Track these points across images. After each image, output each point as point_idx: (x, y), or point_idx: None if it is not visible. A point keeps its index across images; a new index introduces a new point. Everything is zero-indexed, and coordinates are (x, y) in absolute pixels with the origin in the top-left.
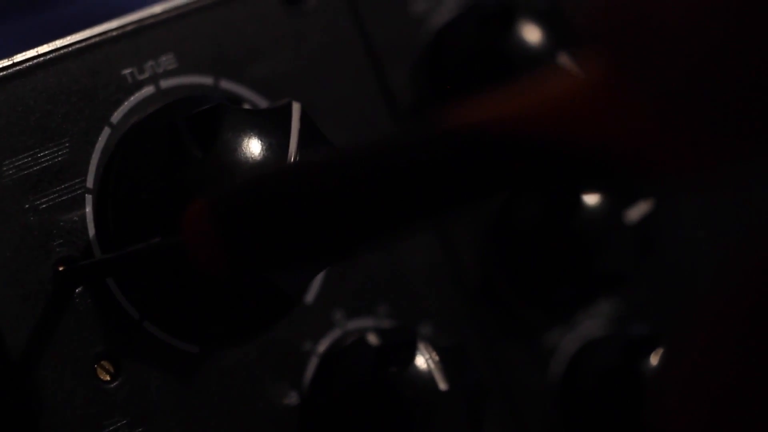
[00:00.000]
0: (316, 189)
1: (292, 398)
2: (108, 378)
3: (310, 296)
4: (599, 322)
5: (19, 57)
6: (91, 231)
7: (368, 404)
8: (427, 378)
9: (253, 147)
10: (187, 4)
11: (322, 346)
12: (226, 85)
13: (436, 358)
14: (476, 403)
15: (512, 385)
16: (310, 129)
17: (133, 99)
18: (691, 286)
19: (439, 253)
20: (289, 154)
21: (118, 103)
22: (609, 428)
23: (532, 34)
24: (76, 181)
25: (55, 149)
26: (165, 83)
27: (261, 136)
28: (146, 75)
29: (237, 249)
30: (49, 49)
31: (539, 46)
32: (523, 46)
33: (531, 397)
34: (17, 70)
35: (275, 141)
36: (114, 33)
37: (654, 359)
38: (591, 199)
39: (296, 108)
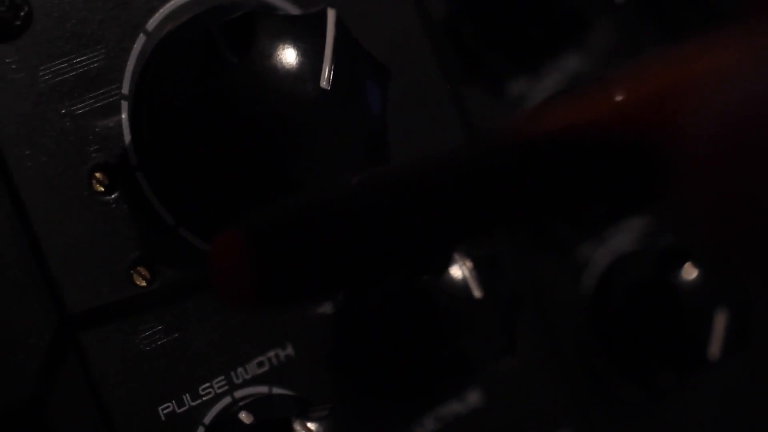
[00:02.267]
0: (367, 219)
1: (327, 307)
2: (144, 283)
3: None
4: (631, 236)
5: None
6: (127, 137)
7: (402, 312)
8: (461, 286)
9: (288, 53)
10: None
11: None
12: None
13: (471, 266)
14: (510, 313)
15: (545, 297)
16: (345, 36)
17: (168, 6)
18: None
19: None
20: (324, 60)
21: (153, 10)
22: (640, 340)
23: None
24: (112, 87)
25: (91, 55)
26: None
27: (296, 42)
28: None
29: (269, 286)
30: None
31: None
32: None
33: (563, 309)
34: None
35: (310, 47)
36: None
37: (685, 272)
38: None
39: (331, 14)
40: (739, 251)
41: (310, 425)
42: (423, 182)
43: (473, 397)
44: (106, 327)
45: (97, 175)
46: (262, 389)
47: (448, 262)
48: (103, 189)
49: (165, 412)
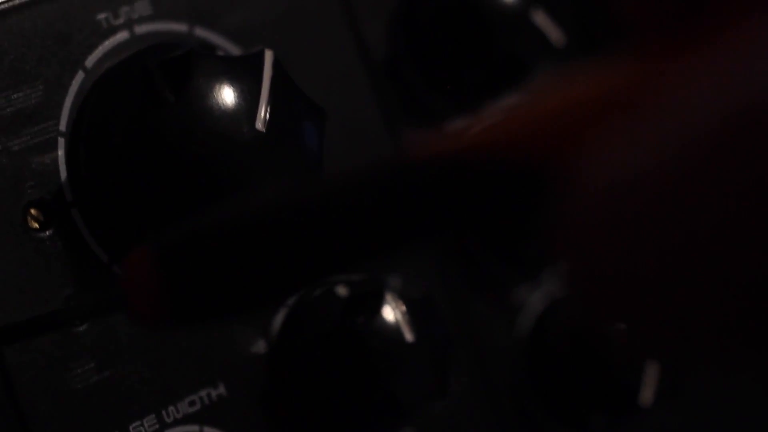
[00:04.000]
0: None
1: (260, 347)
2: (77, 322)
3: None
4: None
5: None
6: (63, 174)
7: (335, 354)
8: (393, 329)
9: (225, 93)
10: None
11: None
12: (200, 32)
13: (404, 309)
14: (442, 356)
15: (479, 339)
16: (281, 77)
17: (108, 44)
18: None
19: None
20: (260, 101)
21: (93, 47)
22: (574, 384)
23: None
24: (49, 123)
25: (29, 92)
26: (139, 29)
27: (233, 82)
28: (121, 20)
29: (179, 303)
30: None
31: (513, 2)
32: (496, 2)
33: (498, 351)
34: None
35: (247, 88)
36: None
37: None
38: None
39: (269, 56)
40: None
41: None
42: (330, 198)
43: None
44: (37, 364)
45: (33, 211)
46: (193, 428)
47: (381, 305)
48: (38, 225)
49: None
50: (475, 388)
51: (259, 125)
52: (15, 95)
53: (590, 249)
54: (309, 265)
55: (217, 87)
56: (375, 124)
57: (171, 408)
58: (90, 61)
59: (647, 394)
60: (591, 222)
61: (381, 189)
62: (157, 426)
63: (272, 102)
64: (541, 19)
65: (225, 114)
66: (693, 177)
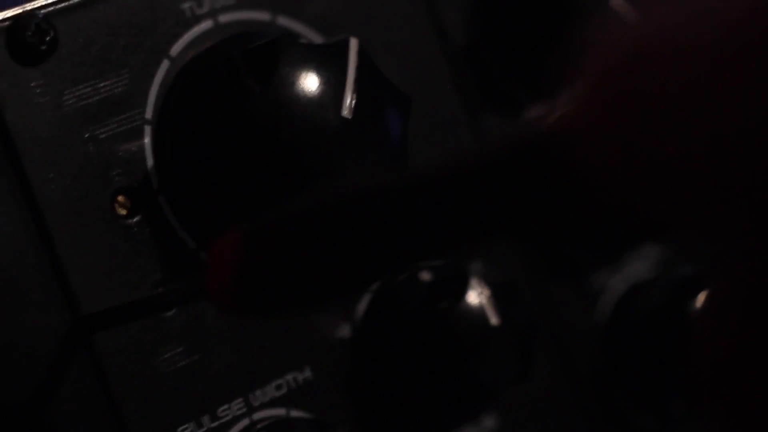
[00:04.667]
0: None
1: (345, 331)
2: (165, 308)
3: None
4: (647, 263)
5: None
6: (150, 161)
7: (420, 338)
8: (478, 313)
9: (310, 82)
10: None
11: (375, 282)
12: (282, 21)
13: (488, 293)
14: (526, 340)
15: (560, 324)
16: (366, 65)
17: (192, 33)
18: None
19: None
20: (346, 88)
21: (177, 36)
22: (654, 368)
23: None
24: (135, 112)
25: (115, 80)
26: (223, 18)
27: (318, 70)
28: (205, 9)
29: (253, 290)
30: None
31: None
32: None
33: (578, 336)
34: (79, 1)
35: (332, 76)
36: None
37: (700, 300)
38: None
39: (354, 43)
40: None
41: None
42: (415, 186)
43: (489, 423)
44: (127, 349)
45: (120, 198)
46: (280, 412)
47: (466, 289)
48: (125, 212)
49: None
50: (556, 372)
51: (345, 112)
52: (102, 84)
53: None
54: (392, 253)
55: (303, 75)
56: (454, 110)
57: (258, 392)
58: (175, 50)
59: None
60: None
61: (463, 178)
62: (244, 409)
63: (357, 89)
64: (618, 2)
65: (311, 102)
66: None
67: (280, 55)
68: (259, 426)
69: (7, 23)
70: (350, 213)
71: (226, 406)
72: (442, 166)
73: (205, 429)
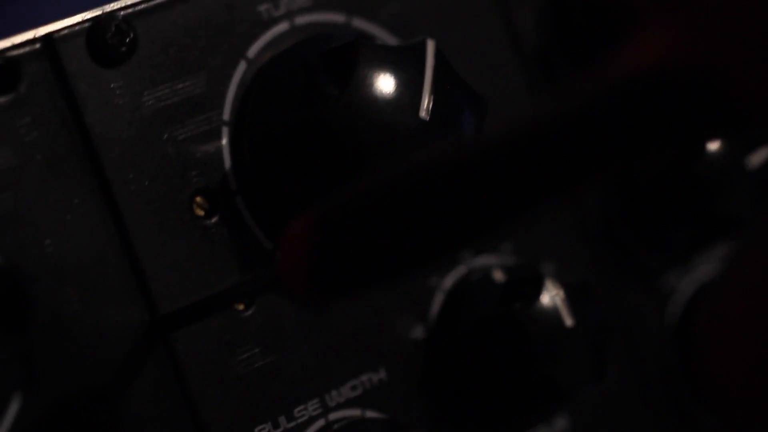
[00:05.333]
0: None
1: (419, 332)
2: (242, 307)
3: None
4: (716, 265)
5: None
6: (227, 163)
7: (494, 338)
8: (552, 314)
9: (388, 83)
10: None
11: (448, 282)
12: (358, 22)
13: (562, 294)
14: (599, 341)
15: (631, 325)
16: (444, 67)
17: (269, 35)
18: None
19: None
20: (424, 90)
21: (254, 38)
22: None
23: None
24: (213, 113)
25: (193, 82)
26: (299, 20)
27: (396, 72)
28: (281, 11)
29: (325, 272)
30: None
31: None
32: None
33: (649, 337)
34: (158, 3)
35: (410, 78)
36: None
37: None
38: (713, 144)
39: (431, 45)
40: None
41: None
42: (480, 159)
43: (560, 423)
44: (205, 349)
45: (198, 199)
46: (356, 412)
47: (540, 290)
48: (203, 213)
49: None
50: (626, 373)
51: (423, 114)
52: (180, 85)
53: None
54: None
55: (381, 77)
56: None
57: (334, 392)
58: (252, 51)
59: None
60: None
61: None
62: (320, 410)
63: (435, 91)
64: None
65: (388, 103)
66: None
67: (358, 57)
68: (335, 426)
69: (87, 25)
70: (419, 185)
71: (302, 407)
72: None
73: (281, 429)
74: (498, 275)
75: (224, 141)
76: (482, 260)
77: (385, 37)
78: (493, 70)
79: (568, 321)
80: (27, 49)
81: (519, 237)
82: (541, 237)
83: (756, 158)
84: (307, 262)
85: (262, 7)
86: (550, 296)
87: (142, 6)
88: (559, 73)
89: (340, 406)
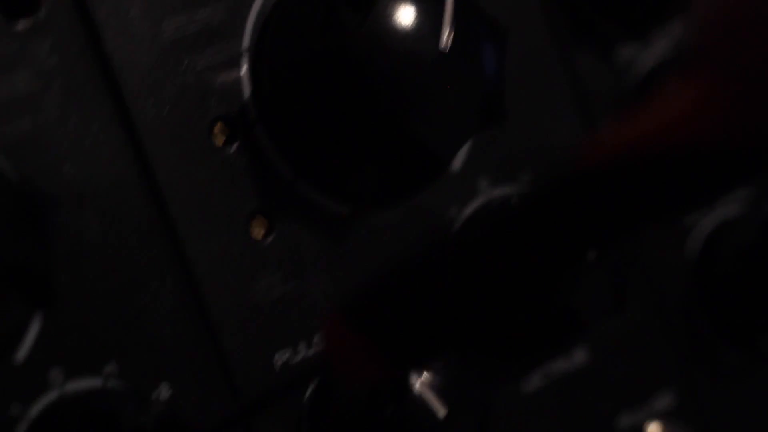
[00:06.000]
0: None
1: None
2: (261, 234)
3: (457, 163)
4: (736, 204)
5: None
6: (247, 91)
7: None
8: None
9: (408, 15)
10: None
11: (467, 212)
12: None
13: None
14: (620, 273)
15: (651, 260)
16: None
17: None
18: None
19: (579, 127)
20: (444, 22)
21: None
22: (743, 305)
23: None
24: (233, 42)
25: (213, 10)
26: None
27: (416, 3)
28: None
29: (391, 352)
30: None
31: None
32: None
33: (669, 272)
34: None
35: (430, 8)
36: None
37: None
38: None
39: None
40: None
41: (425, 374)
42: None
43: (580, 356)
44: (224, 275)
45: (218, 127)
46: None
47: None
48: (222, 141)
49: (281, 360)
50: (648, 307)
51: (443, 46)
52: (199, 14)
53: None
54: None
55: (401, 8)
56: (546, 47)
57: None
58: None
59: None
60: None
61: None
62: None
63: (455, 22)
64: None
65: (409, 35)
66: None
67: None
68: None
69: None
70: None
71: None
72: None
73: (301, 356)
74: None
75: (244, 70)
76: (501, 190)
77: None
78: (512, 3)
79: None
80: None
81: (537, 168)
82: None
83: None
84: (359, 352)
85: None
86: None
87: None
88: (580, 6)
89: None
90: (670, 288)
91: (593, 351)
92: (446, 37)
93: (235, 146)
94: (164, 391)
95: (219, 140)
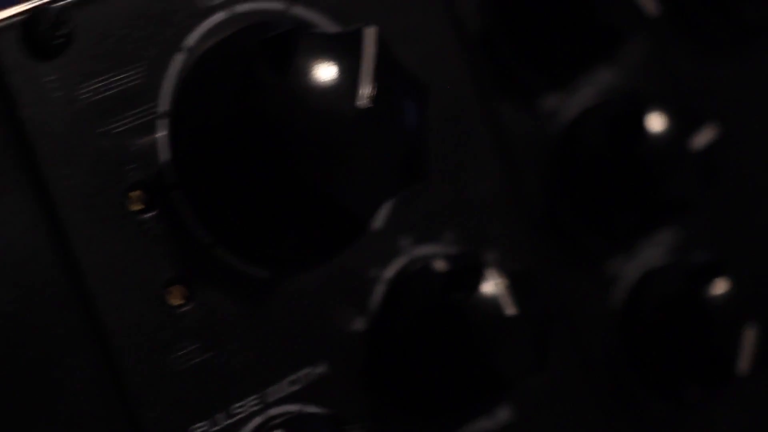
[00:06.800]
0: None
1: (360, 324)
2: (179, 302)
3: (378, 222)
4: (661, 250)
5: None
6: (164, 156)
7: (436, 329)
8: (493, 303)
9: (327, 72)
10: None
11: (389, 273)
12: (298, 10)
13: (504, 282)
14: (541, 329)
15: (574, 311)
16: (384, 53)
17: (206, 24)
18: (754, 213)
19: (503, 180)
20: (362, 78)
21: (191, 28)
22: (670, 355)
23: None
24: (150, 105)
25: (130, 74)
26: (238, 8)
27: (336, 60)
28: (219, 0)
29: None
30: None
31: None
32: None
33: (593, 323)
34: None
35: (350, 65)
36: None
37: (715, 287)
38: (656, 126)
39: (370, 32)
40: None
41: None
42: None
43: (504, 414)
44: (141, 345)
45: (135, 193)
46: (295, 407)
47: (481, 279)
48: (139, 208)
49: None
50: (572, 360)
51: (364, 102)
52: (116, 77)
53: None
54: None
55: (321, 65)
56: (469, 99)
57: (273, 388)
58: (189, 41)
59: (744, 363)
60: None
61: None
62: (260, 406)
63: (376, 78)
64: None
65: (329, 92)
66: None
67: (297, 45)
68: (273, 422)
69: (22, 17)
70: None
71: (240, 403)
72: None
73: (219, 427)
74: (439, 265)
75: (161, 133)
76: (423, 249)
77: (325, 24)
78: (436, 56)
79: (510, 310)
80: None
81: (460, 226)
82: (482, 225)
83: (699, 140)
84: None
85: None
86: (491, 285)
87: None
88: (502, 57)
89: (279, 402)
90: (594, 340)
91: (517, 408)
92: (365, 93)
93: (153, 213)
94: None
95: (136, 206)
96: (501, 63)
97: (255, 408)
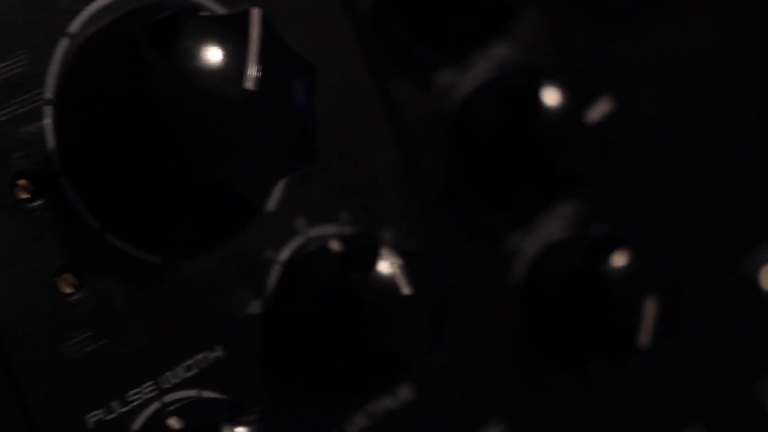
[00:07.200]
0: None
1: (255, 307)
2: (70, 290)
3: (272, 204)
4: (560, 224)
5: None
6: (51, 143)
7: (332, 310)
8: (389, 283)
9: (213, 54)
10: None
11: (285, 254)
12: None
13: (400, 262)
14: (440, 308)
15: (474, 288)
16: (270, 35)
17: (91, 8)
18: (652, 186)
19: (399, 158)
20: (249, 60)
21: (76, 12)
22: (570, 329)
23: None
24: (35, 92)
25: (13, 61)
26: None
27: (220, 42)
28: None
29: None
30: None
31: None
32: None
33: (493, 300)
34: None
35: (235, 48)
36: None
37: (614, 260)
38: (551, 100)
39: (256, 14)
40: None
41: (240, 429)
42: None
43: (404, 393)
44: (32, 335)
45: (21, 182)
46: (191, 393)
47: (377, 259)
48: (27, 196)
49: (93, 419)
50: (472, 337)
51: (250, 84)
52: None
53: None
54: None
55: (205, 48)
56: (362, 77)
57: (168, 374)
58: (74, 26)
59: (645, 335)
60: None
61: None
62: (155, 392)
63: (261, 60)
64: None
65: (214, 75)
66: None
67: (181, 28)
68: (170, 408)
69: None
70: None
71: (136, 390)
72: None
73: (115, 414)
74: (334, 245)
75: (47, 121)
76: (319, 230)
77: (213, 7)
78: (326, 35)
79: (406, 289)
80: None
81: (356, 205)
82: (379, 204)
83: (594, 113)
84: None
85: None
86: (387, 265)
87: None
88: (395, 34)
89: (175, 388)
90: (495, 316)
91: (418, 387)
92: (251, 75)
93: (40, 201)
94: None
95: (24, 194)
96: (394, 40)
97: (151, 394)
